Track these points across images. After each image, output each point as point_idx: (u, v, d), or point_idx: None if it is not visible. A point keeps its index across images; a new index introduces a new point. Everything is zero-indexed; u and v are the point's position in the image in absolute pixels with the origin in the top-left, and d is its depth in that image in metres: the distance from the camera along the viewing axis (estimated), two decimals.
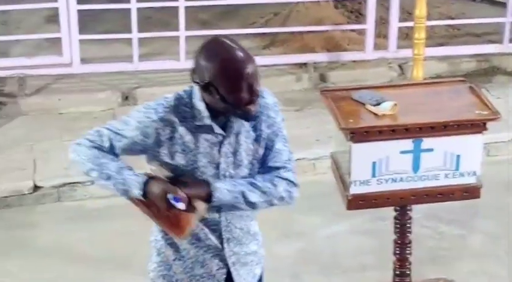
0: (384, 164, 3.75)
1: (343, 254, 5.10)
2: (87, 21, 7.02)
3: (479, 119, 3.77)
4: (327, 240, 5.24)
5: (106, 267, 4.99)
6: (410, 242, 4.08)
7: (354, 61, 7.03)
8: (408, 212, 4.02)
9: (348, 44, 7.16)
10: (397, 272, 4.14)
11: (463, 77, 5.29)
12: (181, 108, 3.03)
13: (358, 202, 3.81)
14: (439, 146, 3.76)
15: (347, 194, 3.79)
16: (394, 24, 6.92)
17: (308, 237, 5.26)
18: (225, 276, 3.23)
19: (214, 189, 3.00)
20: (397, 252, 4.09)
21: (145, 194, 3.00)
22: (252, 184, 3.05)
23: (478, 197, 3.90)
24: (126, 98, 6.65)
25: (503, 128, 5.69)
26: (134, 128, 3.03)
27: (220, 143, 3.05)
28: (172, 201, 2.97)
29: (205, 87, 2.98)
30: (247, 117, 3.00)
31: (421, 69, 6.06)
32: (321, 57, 6.99)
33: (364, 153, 3.73)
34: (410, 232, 4.06)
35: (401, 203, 3.93)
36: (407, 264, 4.12)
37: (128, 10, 6.64)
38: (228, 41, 2.99)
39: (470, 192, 3.87)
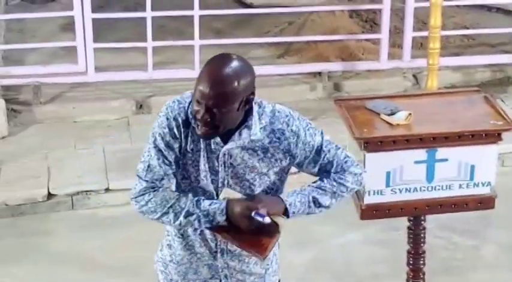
0: (398, 174, 3.74)
1: (356, 263, 5.09)
2: (102, 29, 7.05)
3: (493, 129, 3.76)
4: (340, 249, 5.23)
5: (118, 275, 5.00)
6: (424, 252, 4.07)
7: (369, 70, 7.03)
8: (422, 222, 4.00)
9: (362, 53, 7.16)
10: None
11: (478, 87, 5.27)
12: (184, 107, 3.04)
13: (372, 212, 3.80)
14: (454, 156, 3.75)
15: (361, 204, 3.78)
16: (409, 33, 6.91)
17: (321, 246, 5.25)
18: None
19: (287, 204, 3.03)
20: (411, 262, 4.08)
21: (227, 217, 3.01)
22: (320, 187, 3.08)
23: (492, 207, 3.88)
24: (140, 106, 6.66)
25: None
26: (163, 136, 3.02)
27: (218, 152, 3.03)
28: (257, 217, 2.96)
29: None
30: (197, 131, 2.98)
31: (436, 79, 6.06)
32: (336, 66, 6.99)
33: (378, 163, 3.72)
34: (424, 242, 4.05)
35: (415, 213, 3.91)
36: (420, 274, 4.10)
37: (143, 19, 6.66)
38: (231, 58, 2.93)
39: (484, 202, 3.85)
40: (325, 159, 3.10)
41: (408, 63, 7.00)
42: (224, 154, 3.03)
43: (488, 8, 8.00)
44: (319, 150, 3.09)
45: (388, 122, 3.78)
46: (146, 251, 4.95)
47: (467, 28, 7.61)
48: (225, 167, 3.05)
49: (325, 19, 7.35)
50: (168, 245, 3.24)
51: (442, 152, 3.74)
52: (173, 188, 3.12)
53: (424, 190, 3.78)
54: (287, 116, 3.05)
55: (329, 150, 3.10)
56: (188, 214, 3.00)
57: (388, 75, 7.01)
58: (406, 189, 3.77)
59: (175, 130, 3.01)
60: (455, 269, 5.03)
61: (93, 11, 6.56)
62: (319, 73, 6.92)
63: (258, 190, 3.10)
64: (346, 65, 7.01)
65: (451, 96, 4.10)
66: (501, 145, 3.83)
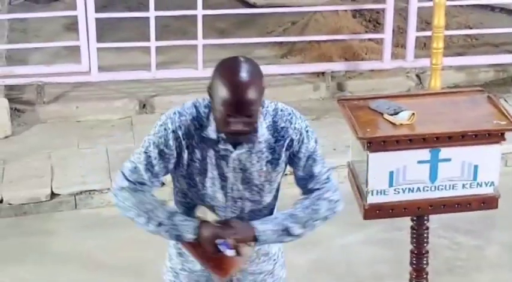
0: (401, 174, 3.74)
1: (358, 264, 5.09)
2: (105, 29, 7.05)
3: (497, 129, 3.75)
4: (342, 249, 5.22)
5: (121, 275, 5.00)
6: (427, 252, 4.06)
7: (372, 70, 7.02)
8: (425, 222, 4.00)
9: (365, 53, 7.15)
10: None
11: (481, 86, 5.26)
12: (199, 116, 3.02)
13: (375, 212, 3.79)
14: (457, 156, 3.75)
15: (364, 204, 3.78)
16: (412, 33, 6.90)
17: (323, 246, 5.25)
18: None
19: (259, 233, 3.02)
20: (414, 262, 4.07)
21: (196, 238, 3.02)
22: (293, 216, 3.07)
23: (495, 207, 3.87)
24: (143, 106, 6.66)
25: None
26: (157, 144, 3.02)
27: (228, 158, 3.03)
28: (221, 247, 3.00)
29: (209, 95, 2.98)
30: (229, 141, 2.99)
31: (439, 78, 6.05)
32: (339, 66, 6.99)
33: (381, 163, 3.71)
34: (427, 242, 4.04)
35: (418, 213, 3.91)
36: (424, 274, 4.09)
37: (146, 19, 6.66)
38: (243, 64, 2.93)
39: (487, 202, 3.85)
40: (311, 168, 3.10)
41: (411, 63, 7.00)
42: (234, 160, 3.03)
43: (492, 7, 8.00)
44: (309, 156, 3.10)
45: (391, 122, 3.78)
46: (149, 250, 4.97)
47: (471, 28, 7.60)
48: (234, 172, 3.05)
49: (329, 19, 7.35)
50: (178, 253, 3.25)
51: (445, 151, 3.73)
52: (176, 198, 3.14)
53: (427, 190, 3.78)
54: (289, 114, 3.07)
55: (317, 163, 3.11)
56: (159, 223, 3.03)
57: (392, 75, 7.01)
58: (409, 189, 3.76)
59: (171, 142, 3.01)
60: (459, 269, 5.03)
61: (97, 10, 6.56)
62: (323, 73, 6.92)
63: (267, 196, 3.13)
64: (350, 65, 7.01)
65: (455, 96, 4.10)
66: (504, 145, 3.82)
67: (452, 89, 6.19)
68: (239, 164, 3.04)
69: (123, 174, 3.06)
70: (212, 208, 3.10)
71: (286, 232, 3.07)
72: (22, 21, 7.58)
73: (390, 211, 3.80)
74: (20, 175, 5.83)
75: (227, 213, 3.12)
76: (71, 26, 7.24)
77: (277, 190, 3.19)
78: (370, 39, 7.29)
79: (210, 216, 3.08)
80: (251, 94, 2.88)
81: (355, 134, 3.71)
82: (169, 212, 3.03)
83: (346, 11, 7.41)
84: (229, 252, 2.99)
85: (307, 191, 3.13)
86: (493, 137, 3.75)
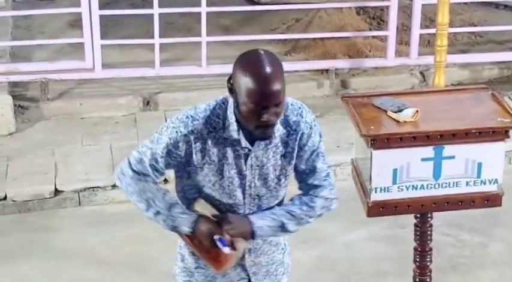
0: (405, 171, 3.73)
1: (361, 261, 5.09)
2: (109, 26, 7.06)
3: (501, 126, 3.75)
4: (346, 246, 5.22)
5: (125, 271, 5.01)
6: (430, 250, 4.06)
7: (376, 68, 7.02)
8: (429, 220, 4.00)
9: (369, 50, 7.15)
10: (417, 280, 4.12)
11: (485, 84, 5.26)
12: (213, 119, 3.03)
13: (378, 209, 3.79)
14: (461, 153, 3.74)
15: (367, 201, 3.78)
16: (416, 31, 6.90)
17: (326, 244, 5.25)
18: None
19: (256, 228, 3.06)
20: (417, 259, 4.07)
21: (193, 231, 3.06)
22: (290, 212, 3.12)
23: (499, 205, 3.87)
24: (147, 103, 6.67)
25: None
26: (166, 145, 3.04)
27: (247, 156, 3.05)
28: (218, 243, 3.02)
29: (230, 90, 2.98)
30: (257, 136, 3.00)
31: (443, 76, 6.04)
32: (343, 63, 6.99)
33: (385, 160, 3.71)
34: (430, 240, 4.04)
35: (422, 210, 3.90)
36: (427, 272, 4.09)
37: (150, 16, 6.66)
38: (265, 55, 2.94)
39: (491, 200, 3.84)
40: (314, 163, 3.13)
41: (415, 61, 6.99)
42: (252, 157, 3.05)
43: (496, 5, 7.99)
44: (314, 151, 3.13)
45: (395, 119, 3.77)
46: (152, 247, 4.98)
47: (475, 25, 7.59)
48: (252, 169, 3.07)
49: (333, 16, 7.34)
50: (191, 252, 3.25)
51: (449, 149, 3.73)
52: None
53: (431, 187, 3.78)
54: (300, 107, 3.10)
55: (319, 158, 3.14)
56: (157, 212, 3.07)
57: (396, 72, 7.00)
58: (413, 186, 3.76)
59: (180, 144, 3.02)
60: (462, 267, 5.03)
61: (101, 7, 6.56)
62: (327, 70, 6.91)
63: (282, 190, 3.16)
64: (353, 62, 7.00)
65: (459, 94, 4.09)
66: (508, 142, 3.82)
67: (457, 87, 6.20)
68: (256, 160, 3.07)
69: (129, 163, 3.11)
70: (214, 204, 3.12)
71: (282, 228, 3.12)
72: (26, 18, 7.58)
73: (394, 208, 3.80)
74: (24, 172, 5.84)
75: (245, 211, 3.14)
76: (75, 23, 7.24)
77: (287, 182, 3.21)
78: (374, 37, 7.29)
79: (208, 210, 3.09)
80: (279, 83, 2.90)
81: (359, 131, 3.71)
82: (168, 203, 3.07)
83: (350, 8, 7.41)
84: (226, 250, 3.02)
85: (305, 186, 3.16)
86: (497, 134, 3.75)
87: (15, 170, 5.86)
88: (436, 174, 3.76)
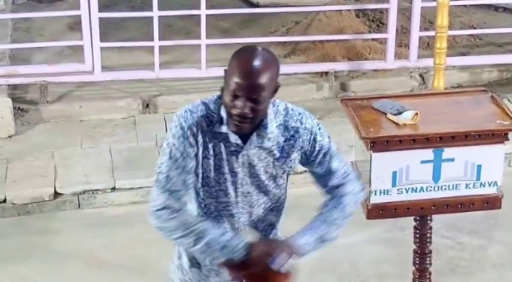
0: (404, 174, 3.74)
1: (361, 263, 5.09)
2: (108, 29, 7.06)
3: (500, 129, 3.76)
4: (346, 249, 5.22)
5: (125, 274, 5.00)
6: (430, 252, 4.07)
7: (375, 70, 7.02)
8: (428, 222, 4.00)
9: (369, 53, 7.15)
10: None
11: (485, 86, 5.27)
12: (209, 113, 3.04)
13: (378, 212, 3.80)
14: (460, 156, 3.75)
15: (367, 204, 3.78)
16: (416, 33, 6.90)
17: (326, 246, 5.24)
18: None
19: (300, 247, 3.08)
20: (417, 262, 4.07)
21: (244, 257, 3.02)
22: (325, 222, 3.14)
23: (498, 207, 3.88)
24: (146, 105, 6.66)
25: None
26: (177, 146, 3.02)
27: (238, 153, 3.06)
28: (273, 266, 3.00)
29: (224, 78, 3.00)
30: (232, 126, 2.99)
31: (442, 78, 6.05)
32: (342, 66, 6.99)
33: (384, 163, 3.71)
34: (430, 242, 4.04)
35: (421, 213, 3.91)
36: (427, 274, 4.10)
37: (150, 18, 6.66)
38: (259, 49, 2.99)
39: (491, 202, 3.85)
40: (329, 165, 3.13)
41: (415, 63, 6.99)
42: (243, 155, 3.05)
43: (496, 7, 7.99)
44: (326, 153, 3.13)
45: (394, 122, 3.78)
46: (152, 249, 4.97)
47: (474, 28, 7.59)
48: (243, 167, 3.07)
49: (332, 19, 7.34)
50: (187, 250, 3.23)
51: (448, 151, 3.73)
52: (192, 198, 3.13)
53: (430, 190, 3.78)
54: (300, 113, 3.10)
55: (334, 159, 3.14)
56: (207, 244, 2.99)
57: (395, 74, 7.00)
58: (413, 189, 3.77)
59: (191, 139, 3.02)
60: (462, 269, 5.03)
61: (100, 10, 6.56)
62: (326, 73, 6.91)
63: (273, 191, 3.15)
64: (353, 65, 7.00)
65: (458, 96, 4.10)
66: (508, 145, 3.83)
67: (456, 89, 6.20)
68: (248, 159, 3.06)
69: (158, 188, 3.02)
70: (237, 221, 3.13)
71: (323, 239, 3.15)
72: (26, 20, 7.58)
73: (393, 211, 3.81)
74: (24, 174, 5.84)
75: (238, 209, 3.14)
76: (75, 25, 7.24)
77: (285, 188, 3.21)
78: (373, 39, 7.29)
79: (253, 235, 3.09)
80: (260, 78, 2.91)
81: (359, 134, 3.72)
82: (218, 232, 3.02)
83: (349, 10, 7.41)
84: (283, 269, 3.01)
85: (328, 189, 3.16)
86: (497, 137, 3.75)
87: (14, 173, 5.86)
88: (436, 176, 3.76)
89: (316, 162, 3.13)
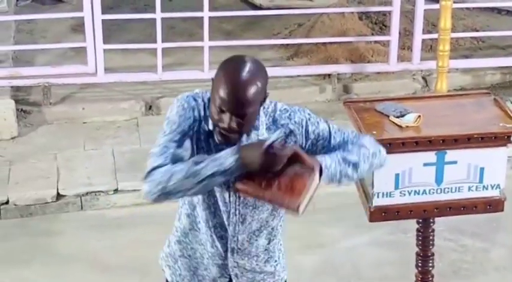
0: (407, 176, 3.74)
1: (363, 266, 5.09)
2: (111, 30, 7.07)
3: (503, 131, 3.75)
4: (348, 251, 5.22)
5: (127, 275, 5.01)
6: (432, 255, 4.06)
7: (378, 73, 7.02)
8: (431, 225, 4.00)
9: (371, 55, 7.15)
10: None
11: (487, 89, 5.28)
12: (200, 106, 3.03)
13: (380, 214, 3.79)
14: (463, 158, 3.74)
15: (369, 206, 3.78)
16: (418, 36, 6.90)
17: (329, 249, 5.25)
18: None
19: (324, 162, 2.94)
20: (420, 264, 4.07)
21: (243, 163, 2.86)
22: (344, 150, 3.04)
23: (501, 210, 3.87)
24: (149, 107, 6.67)
25: None
26: (179, 123, 2.98)
27: None
28: (275, 148, 2.80)
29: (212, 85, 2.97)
30: (219, 139, 2.95)
31: (445, 81, 6.05)
32: (345, 68, 6.99)
33: (387, 165, 3.70)
34: (433, 245, 4.04)
35: (424, 215, 3.90)
36: (429, 277, 4.09)
37: (153, 20, 6.67)
38: (246, 62, 2.91)
39: (493, 205, 3.84)
40: (337, 139, 3.08)
41: (418, 66, 6.99)
42: None
43: (499, 10, 7.99)
44: (326, 136, 3.08)
45: (397, 124, 3.78)
46: (155, 251, 4.96)
47: (477, 30, 7.60)
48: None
49: (335, 21, 7.34)
50: (177, 241, 3.24)
51: (451, 154, 3.73)
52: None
53: (433, 192, 3.78)
54: (287, 111, 3.07)
55: (340, 133, 3.09)
56: (195, 172, 2.85)
57: (398, 77, 7.00)
58: (415, 191, 3.76)
59: (191, 120, 2.98)
60: (464, 272, 5.02)
61: (103, 12, 6.57)
62: (329, 75, 6.91)
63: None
64: (356, 67, 7.00)
65: (461, 99, 4.10)
66: (511, 148, 3.82)
67: (459, 92, 6.20)
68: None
69: (152, 158, 2.95)
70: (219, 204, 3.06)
71: (344, 161, 2.99)
72: (29, 22, 7.59)
73: (396, 213, 3.80)
74: (26, 176, 5.84)
75: (230, 208, 3.10)
76: (78, 27, 7.25)
77: None
78: (376, 42, 7.29)
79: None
80: (247, 95, 2.87)
81: None
82: (200, 157, 2.91)
83: (352, 13, 7.41)
84: (284, 148, 2.79)
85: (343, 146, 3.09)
86: (499, 139, 3.75)
87: (17, 174, 5.86)
88: (438, 179, 3.76)
89: (320, 148, 3.07)
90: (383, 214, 3.79)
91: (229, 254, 3.17)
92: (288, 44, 7.31)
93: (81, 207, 5.72)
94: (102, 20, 6.57)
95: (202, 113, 3.02)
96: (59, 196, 5.70)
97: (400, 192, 3.75)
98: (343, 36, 7.16)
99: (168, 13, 6.73)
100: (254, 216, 3.13)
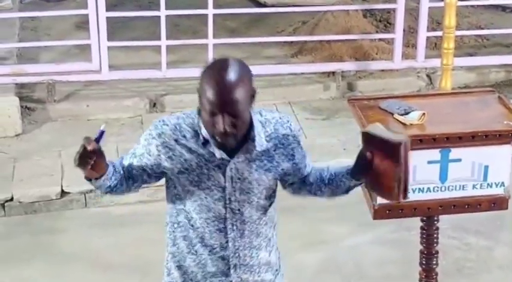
0: (411, 174, 3.72)
1: (367, 264, 5.08)
2: (116, 28, 7.06)
3: (507, 129, 3.74)
4: (351, 249, 5.22)
5: (131, 273, 5.01)
6: (437, 253, 4.06)
7: (382, 70, 7.02)
8: (435, 223, 3.99)
9: (376, 53, 7.15)
10: None
11: (492, 87, 5.26)
12: (183, 127, 3.00)
13: (384, 212, 3.79)
14: (467, 156, 3.74)
15: (374, 204, 3.78)
16: (423, 33, 6.89)
17: (332, 247, 5.24)
18: None
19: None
20: (424, 262, 4.07)
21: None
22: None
23: (505, 208, 3.86)
24: (153, 105, 6.67)
25: None
26: (142, 146, 3.09)
27: (225, 167, 2.99)
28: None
29: (199, 96, 2.95)
30: (216, 144, 2.95)
31: (450, 79, 6.04)
32: (349, 66, 6.99)
33: None
34: (437, 243, 4.04)
35: (428, 213, 3.90)
36: (433, 275, 4.09)
37: (157, 18, 6.67)
38: (227, 62, 2.91)
39: (497, 203, 3.84)
40: (305, 169, 3.16)
41: (422, 63, 6.98)
42: (231, 169, 2.99)
43: (503, 8, 7.98)
44: (303, 159, 3.14)
45: (401, 122, 3.77)
46: (158, 249, 4.95)
47: (482, 28, 7.59)
48: (232, 182, 3.01)
49: (339, 18, 7.34)
50: (177, 266, 3.22)
51: (455, 152, 3.72)
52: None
53: (437, 190, 3.77)
54: (288, 121, 3.08)
55: (309, 163, 3.17)
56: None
57: (402, 75, 7.00)
58: (419, 189, 3.76)
59: (152, 148, 3.04)
60: (468, 270, 5.02)
61: (107, 9, 6.57)
62: (333, 72, 6.91)
63: (265, 202, 3.09)
64: (360, 65, 7.00)
65: (465, 97, 4.09)
66: None
67: (463, 89, 6.19)
68: (237, 173, 3.00)
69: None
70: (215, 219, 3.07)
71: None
72: (33, 19, 7.59)
73: (400, 211, 3.80)
74: (31, 173, 5.85)
75: (227, 225, 3.07)
76: (82, 24, 7.25)
77: (275, 196, 3.16)
78: (380, 39, 7.29)
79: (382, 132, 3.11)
80: (235, 92, 2.85)
81: None
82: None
83: (356, 10, 7.41)
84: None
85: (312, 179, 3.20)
86: (504, 137, 3.74)
87: (21, 172, 5.87)
88: (443, 177, 3.75)
89: (300, 172, 3.14)
90: (387, 212, 3.79)
91: (232, 271, 3.13)
92: (292, 42, 7.30)
93: (85, 205, 5.72)
94: (107, 17, 6.58)
95: (187, 133, 3.00)
96: (63, 193, 5.71)
97: None
98: (348, 33, 7.16)
99: (173, 10, 6.72)
100: (252, 229, 3.11)
